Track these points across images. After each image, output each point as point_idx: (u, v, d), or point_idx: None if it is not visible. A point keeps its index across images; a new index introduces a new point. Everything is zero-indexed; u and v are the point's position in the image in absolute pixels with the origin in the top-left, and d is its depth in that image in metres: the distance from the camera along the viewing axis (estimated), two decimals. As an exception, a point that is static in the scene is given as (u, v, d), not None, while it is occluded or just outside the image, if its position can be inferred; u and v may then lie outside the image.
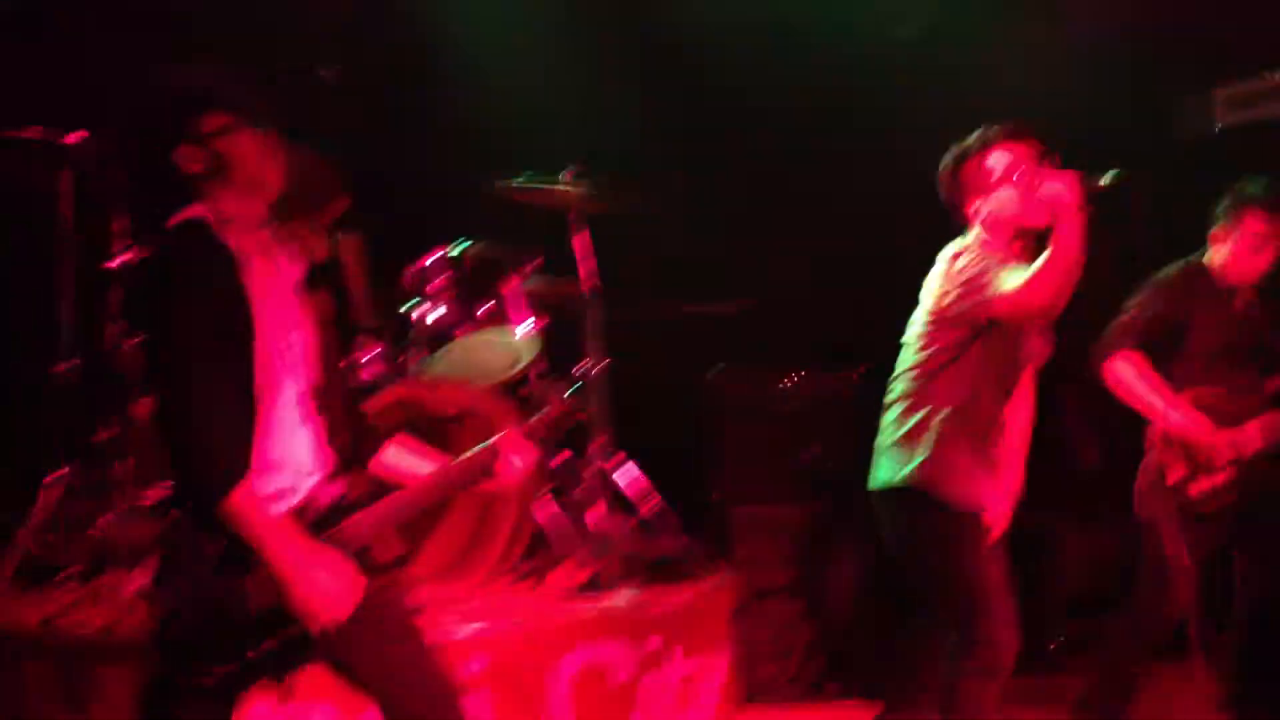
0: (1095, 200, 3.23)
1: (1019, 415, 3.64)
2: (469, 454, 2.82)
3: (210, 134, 2.65)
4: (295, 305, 2.72)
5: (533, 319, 4.41)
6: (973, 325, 3.40)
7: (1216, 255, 4.19)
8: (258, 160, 2.69)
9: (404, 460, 2.85)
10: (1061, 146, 3.43)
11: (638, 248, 5.10)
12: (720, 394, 5.34)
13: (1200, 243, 4.24)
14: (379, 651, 2.67)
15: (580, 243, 4.47)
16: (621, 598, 3.99)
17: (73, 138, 4.02)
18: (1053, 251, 3.21)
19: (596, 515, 4.30)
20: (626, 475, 4.43)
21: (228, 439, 2.54)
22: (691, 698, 3.98)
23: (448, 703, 2.74)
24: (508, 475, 2.82)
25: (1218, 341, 4.16)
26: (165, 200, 2.69)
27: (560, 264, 4.54)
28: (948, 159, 3.54)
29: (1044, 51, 5.25)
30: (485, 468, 2.81)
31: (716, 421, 5.33)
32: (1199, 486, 4.09)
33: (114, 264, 4.06)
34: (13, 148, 4.03)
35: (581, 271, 4.47)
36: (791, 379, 5.31)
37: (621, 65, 5.50)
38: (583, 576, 4.07)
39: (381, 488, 2.75)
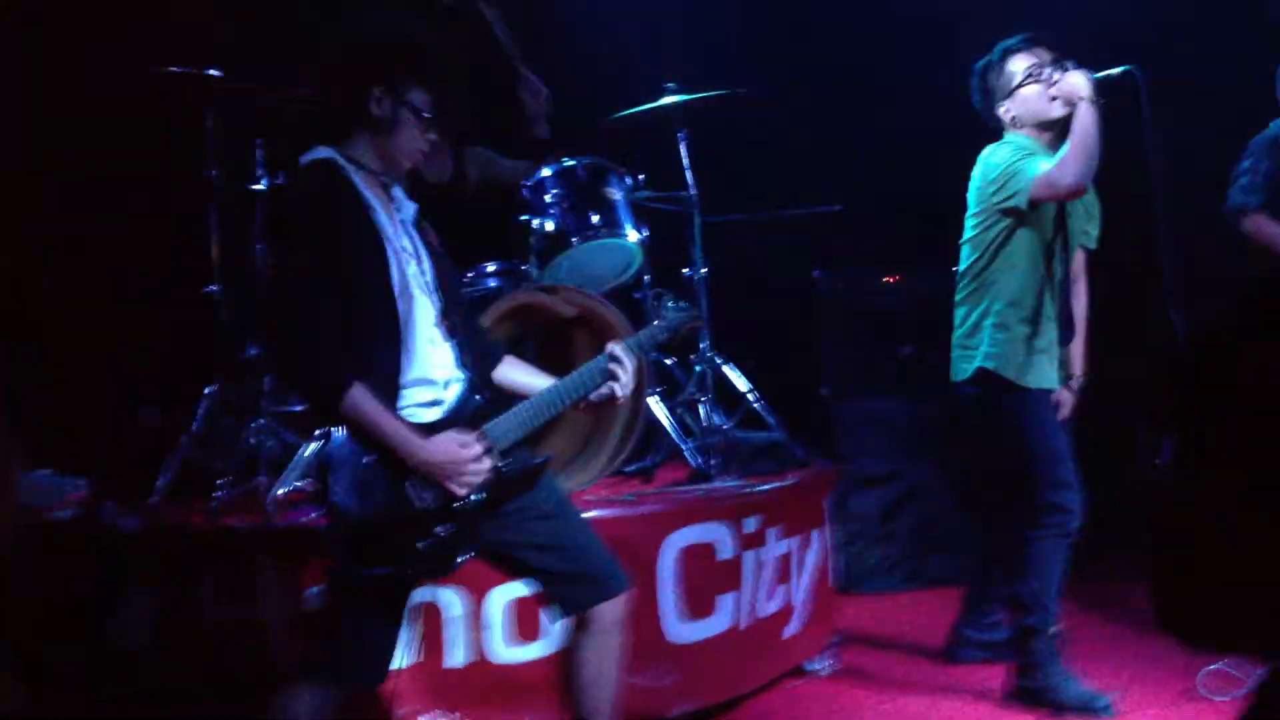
0: (1106, 92, 3.63)
1: (1079, 301, 4.00)
2: (579, 370, 2.97)
3: (406, 92, 2.84)
4: (414, 238, 2.92)
5: (641, 227, 4.60)
6: (1014, 213, 3.75)
7: None
8: (414, 138, 2.88)
9: (517, 376, 3.03)
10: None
11: (737, 157, 5.22)
12: (824, 293, 5.52)
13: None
14: (538, 528, 2.88)
15: (683, 153, 4.67)
16: (725, 485, 4.18)
17: (215, 73, 4.21)
18: (1073, 137, 3.61)
19: (703, 413, 4.53)
20: (731, 373, 4.66)
21: (334, 348, 2.70)
22: (790, 574, 4.16)
23: (608, 562, 2.96)
24: (616, 388, 2.97)
25: None
26: (315, 131, 2.88)
27: (665, 175, 4.75)
28: (975, 69, 3.90)
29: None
30: (595, 382, 2.97)
31: (821, 320, 5.51)
32: None
33: (257, 188, 4.30)
34: (163, 83, 4.22)
35: (685, 180, 4.68)
36: (891, 278, 5.47)
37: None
38: (690, 471, 4.29)
39: (506, 399, 2.94)
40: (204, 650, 3.71)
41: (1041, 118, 3.79)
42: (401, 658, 3.19)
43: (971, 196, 3.90)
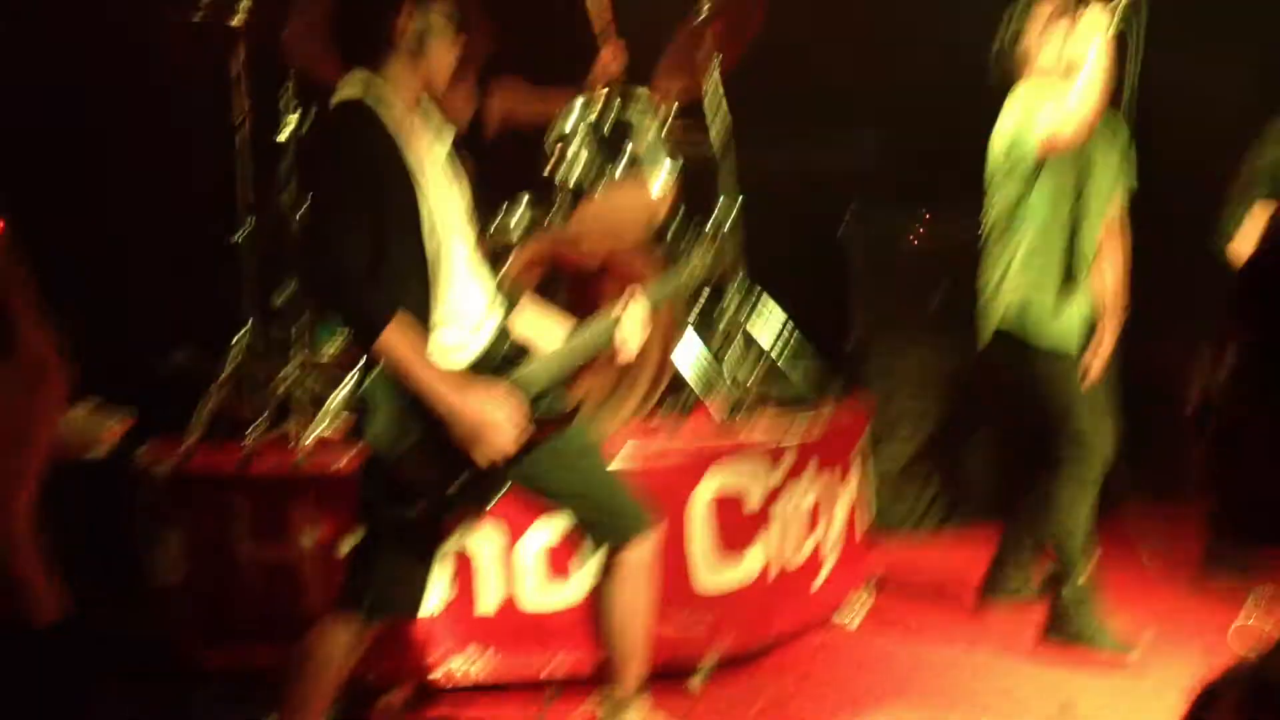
0: (1120, 26, 3.66)
1: (1112, 254, 4.01)
2: (590, 326, 2.99)
3: (430, 7, 2.83)
4: (446, 173, 2.92)
5: (669, 168, 4.54)
6: (1032, 160, 3.78)
7: None
8: (446, 52, 2.87)
9: (529, 329, 3.02)
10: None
11: (766, 96, 5.15)
12: (855, 238, 5.45)
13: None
14: (565, 470, 2.93)
15: (711, 92, 4.61)
16: (757, 425, 4.16)
17: (237, 20, 4.16)
18: (1081, 78, 3.64)
19: (734, 355, 4.50)
20: (764, 314, 4.63)
21: (371, 289, 2.71)
22: (823, 516, 4.16)
23: (635, 502, 3.00)
24: (627, 346, 2.99)
25: None
26: (345, 59, 2.88)
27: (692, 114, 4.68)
28: (1003, 19, 3.92)
29: None
30: (607, 340, 2.99)
31: (852, 265, 5.46)
32: None
33: (283, 136, 4.27)
34: (187, 30, 4.17)
35: (714, 120, 4.63)
36: (923, 224, 5.41)
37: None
38: (721, 414, 4.25)
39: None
40: (237, 588, 3.74)
41: (1065, 60, 3.79)
42: (436, 598, 3.21)
43: (991, 153, 3.91)
